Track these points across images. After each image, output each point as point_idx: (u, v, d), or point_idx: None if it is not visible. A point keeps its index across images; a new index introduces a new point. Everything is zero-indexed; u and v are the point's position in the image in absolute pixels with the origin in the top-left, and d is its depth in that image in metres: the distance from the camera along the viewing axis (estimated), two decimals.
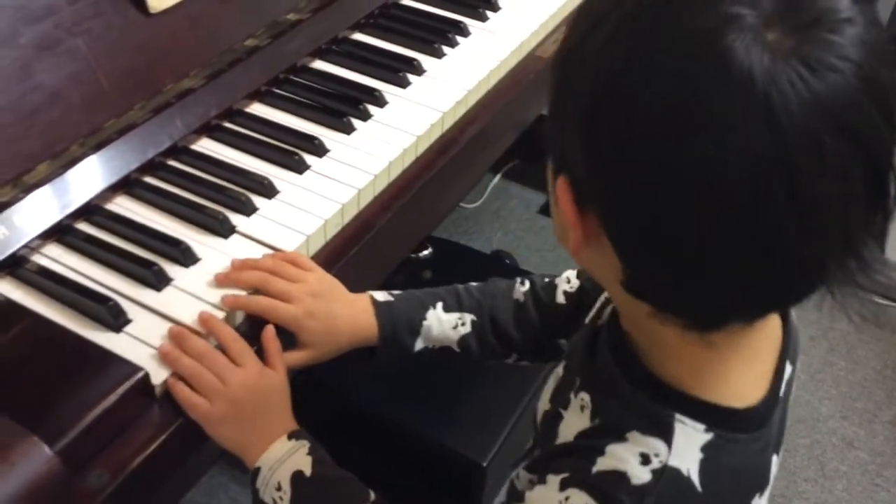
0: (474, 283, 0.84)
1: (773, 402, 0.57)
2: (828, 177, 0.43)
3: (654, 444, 0.53)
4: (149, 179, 0.84)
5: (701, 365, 0.55)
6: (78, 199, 0.78)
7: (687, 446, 0.53)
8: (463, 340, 0.81)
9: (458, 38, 1.09)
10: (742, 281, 0.47)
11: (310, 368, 0.77)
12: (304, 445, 0.70)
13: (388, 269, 0.98)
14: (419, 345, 0.80)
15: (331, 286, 0.77)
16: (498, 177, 2.17)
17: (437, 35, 1.08)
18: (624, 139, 0.46)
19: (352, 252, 0.84)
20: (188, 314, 0.73)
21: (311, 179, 0.87)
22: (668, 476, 0.53)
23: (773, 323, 0.59)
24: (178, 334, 0.70)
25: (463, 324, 0.81)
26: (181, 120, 0.87)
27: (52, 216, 0.77)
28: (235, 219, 0.81)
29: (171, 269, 0.76)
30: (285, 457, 0.69)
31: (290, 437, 0.70)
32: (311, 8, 1.03)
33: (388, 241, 0.92)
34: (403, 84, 1.01)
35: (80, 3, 0.80)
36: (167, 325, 0.72)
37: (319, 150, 0.90)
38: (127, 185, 0.83)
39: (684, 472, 0.53)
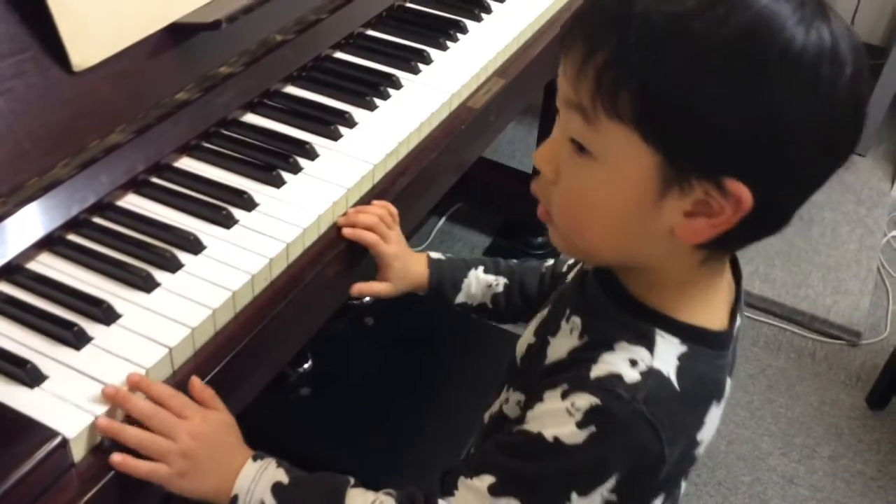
0: (514, 260, 1.01)
1: (731, 334, 0.70)
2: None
3: (640, 352, 0.64)
4: (72, 237, 0.84)
5: (684, 295, 0.67)
6: None
7: (666, 354, 0.65)
8: (495, 298, 0.97)
9: (391, 91, 1.11)
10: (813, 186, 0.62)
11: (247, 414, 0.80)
12: (271, 461, 0.74)
13: (321, 320, 0.98)
14: (460, 298, 0.98)
15: (404, 240, 0.98)
16: (443, 220, 2.19)
17: (369, 87, 1.10)
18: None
19: (280, 307, 0.84)
20: (108, 372, 0.72)
21: (240, 234, 0.87)
22: (653, 375, 0.64)
23: (728, 276, 0.71)
24: (117, 396, 0.70)
25: (497, 284, 0.97)
26: (107, 176, 0.87)
27: None
28: (160, 275, 0.81)
29: (92, 327, 0.75)
30: (258, 475, 0.72)
31: (254, 458, 0.74)
32: (244, 61, 1.04)
33: (319, 294, 0.92)
34: (335, 137, 1.02)
35: (1, 62, 0.80)
36: (87, 384, 0.71)
37: (248, 204, 0.91)
38: (50, 243, 0.82)
39: (665, 373, 0.64)
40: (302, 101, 1.07)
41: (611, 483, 0.64)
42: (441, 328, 1.41)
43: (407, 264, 0.97)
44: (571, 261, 0.95)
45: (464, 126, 1.12)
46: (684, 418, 0.66)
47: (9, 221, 0.79)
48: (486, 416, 0.84)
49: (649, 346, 0.64)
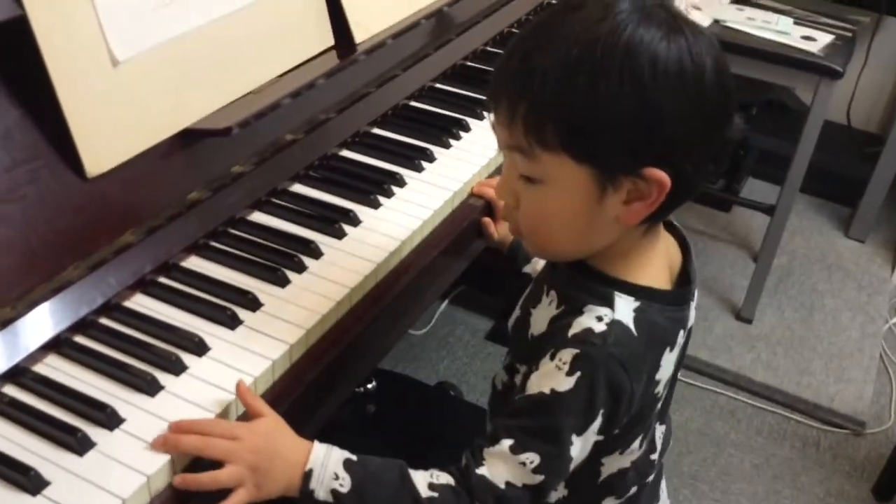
0: None
1: (679, 294, 0.86)
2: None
3: (603, 310, 0.80)
4: (79, 339, 0.85)
5: (636, 262, 0.83)
6: (6, 363, 0.79)
7: (624, 309, 0.80)
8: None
9: (395, 188, 1.13)
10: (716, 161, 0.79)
11: None
12: (332, 446, 0.82)
13: (327, 413, 0.98)
14: (526, 269, 1.14)
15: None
16: (445, 303, 2.20)
17: (374, 185, 1.12)
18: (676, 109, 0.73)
19: (282, 409, 0.85)
20: (109, 480, 0.72)
21: (244, 335, 0.89)
22: (616, 324, 0.79)
23: (666, 242, 0.88)
24: (167, 443, 0.75)
25: None
26: (115, 277, 0.88)
27: None
28: (164, 378, 0.82)
29: (96, 432, 0.76)
30: (329, 452, 0.80)
31: (319, 442, 0.82)
32: (253, 161, 1.06)
33: (321, 391, 0.93)
34: (339, 235, 1.04)
35: (16, 170, 0.82)
36: (90, 491, 0.71)
37: (253, 304, 0.92)
38: (57, 345, 0.84)
39: (625, 322, 0.80)
40: (308, 200, 1.10)
41: (598, 422, 0.79)
42: (444, 416, 1.41)
43: (509, 236, 1.15)
44: None
45: (466, 223, 1.14)
46: (644, 357, 0.81)
47: (18, 324, 0.80)
48: (498, 383, 0.99)
49: (610, 305, 0.80)
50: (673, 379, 0.91)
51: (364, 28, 1.23)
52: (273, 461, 0.78)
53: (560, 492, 0.91)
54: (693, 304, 0.89)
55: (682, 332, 0.85)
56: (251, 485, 0.76)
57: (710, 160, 0.78)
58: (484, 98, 1.35)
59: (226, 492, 0.76)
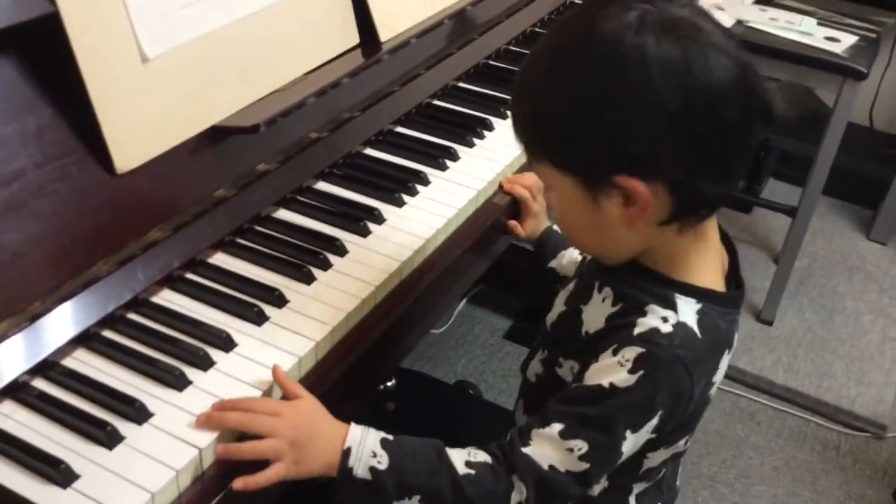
0: None
1: (733, 296, 0.86)
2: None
3: (667, 312, 0.79)
4: (108, 333, 0.86)
5: (690, 263, 0.82)
6: (35, 357, 0.79)
7: (687, 311, 0.80)
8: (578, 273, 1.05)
9: (419, 187, 1.13)
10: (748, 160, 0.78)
11: None
12: (369, 427, 0.83)
13: (351, 411, 0.98)
14: (552, 263, 1.16)
15: (545, 207, 1.17)
16: (464, 302, 2.20)
17: (398, 184, 1.13)
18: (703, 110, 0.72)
19: None
20: (138, 474, 0.73)
21: (270, 332, 0.89)
22: (681, 326, 0.79)
23: (717, 245, 0.86)
24: (211, 420, 0.77)
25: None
26: (143, 272, 0.89)
27: (7, 374, 0.77)
28: (192, 373, 0.82)
29: (124, 426, 0.76)
30: (366, 432, 0.82)
31: (356, 424, 0.83)
32: (279, 159, 1.07)
33: (346, 388, 0.93)
34: (364, 233, 1.04)
35: (47, 166, 0.83)
36: (118, 485, 0.72)
37: (279, 300, 0.92)
38: (86, 339, 0.84)
39: (689, 324, 0.79)
40: (333, 198, 1.10)
41: (654, 422, 0.79)
42: (462, 415, 1.41)
43: (538, 224, 1.18)
44: None
45: (490, 222, 1.14)
46: (707, 361, 0.81)
47: (47, 318, 0.81)
48: (532, 376, 0.99)
49: (673, 306, 0.80)
50: None
51: (389, 28, 1.24)
52: (312, 439, 0.79)
53: (601, 484, 0.91)
54: None
55: (736, 335, 0.86)
56: (290, 461, 0.78)
57: (721, 167, 0.76)
58: (507, 97, 1.35)
59: (263, 466, 0.77)
